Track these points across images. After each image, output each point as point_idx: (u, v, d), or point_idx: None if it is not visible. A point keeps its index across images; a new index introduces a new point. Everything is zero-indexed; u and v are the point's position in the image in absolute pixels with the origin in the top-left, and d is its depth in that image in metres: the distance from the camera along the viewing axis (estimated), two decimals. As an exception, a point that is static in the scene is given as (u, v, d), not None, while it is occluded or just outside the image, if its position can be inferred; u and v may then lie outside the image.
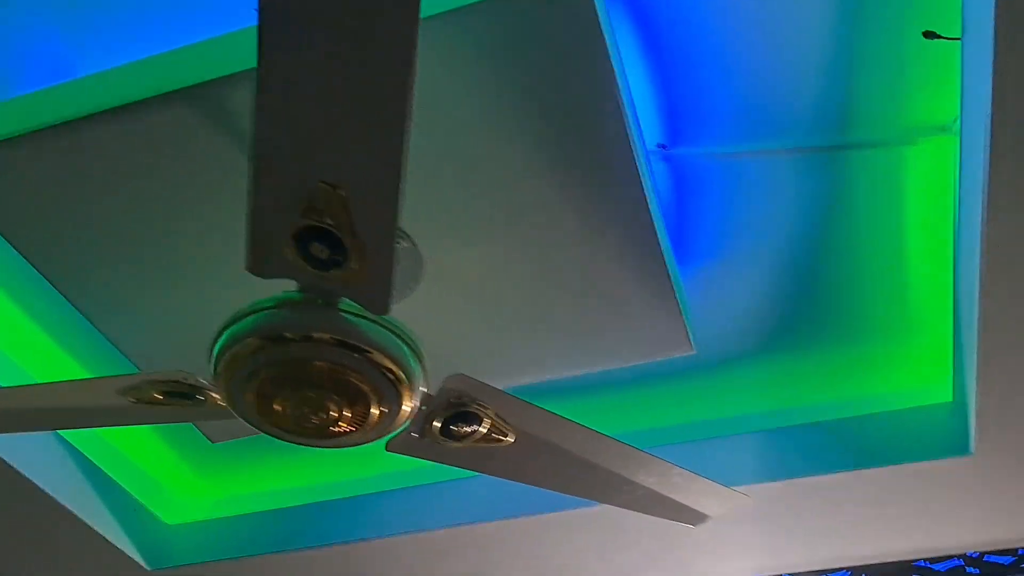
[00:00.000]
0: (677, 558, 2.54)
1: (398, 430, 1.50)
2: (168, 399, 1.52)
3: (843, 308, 2.13)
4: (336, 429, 1.44)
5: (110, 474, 2.67)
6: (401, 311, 1.41)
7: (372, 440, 1.50)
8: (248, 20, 1.59)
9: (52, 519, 2.54)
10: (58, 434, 2.51)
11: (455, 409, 1.55)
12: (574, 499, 2.35)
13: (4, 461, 2.33)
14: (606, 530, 2.44)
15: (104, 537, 2.61)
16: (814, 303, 2.13)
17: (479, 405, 1.56)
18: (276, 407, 1.41)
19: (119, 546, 2.66)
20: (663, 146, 1.84)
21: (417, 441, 1.59)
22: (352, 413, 1.42)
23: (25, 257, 1.83)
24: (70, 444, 2.55)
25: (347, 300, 1.35)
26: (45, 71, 1.75)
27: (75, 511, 2.53)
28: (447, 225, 1.77)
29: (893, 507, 2.22)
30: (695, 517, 1.99)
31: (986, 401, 1.95)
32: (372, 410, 1.42)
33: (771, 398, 2.28)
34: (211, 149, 1.63)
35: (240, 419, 1.48)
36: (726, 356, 2.22)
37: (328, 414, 1.41)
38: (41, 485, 2.44)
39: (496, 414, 1.59)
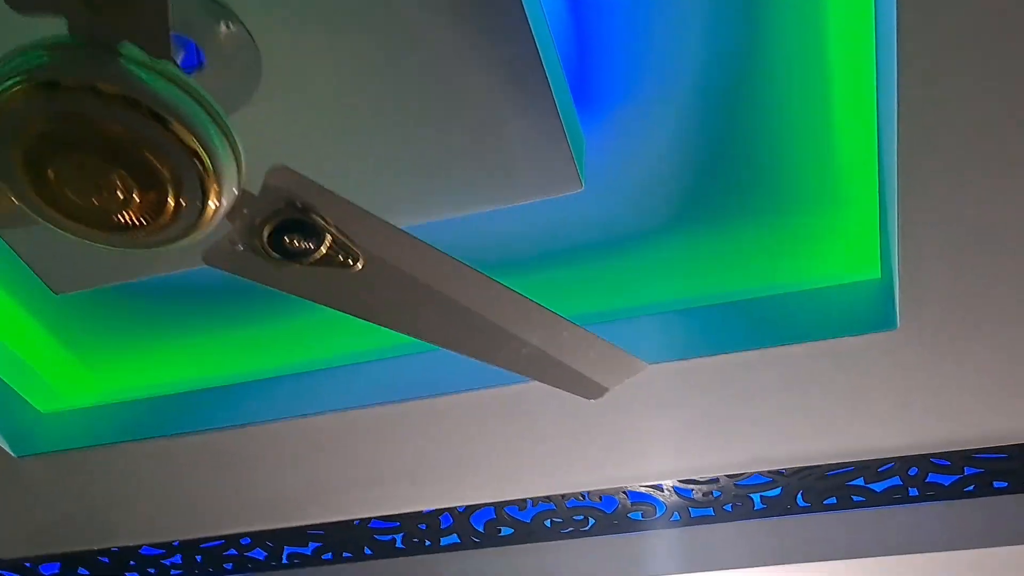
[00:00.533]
0: (581, 457, 2.33)
1: (205, 232, 1.24)
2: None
3: (763, 175, 1.92)
4: (125, 217, 1.18)
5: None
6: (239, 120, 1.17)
7: (176, 241, 1.25)
8: None
9: None
10: None
11: (285, 216, 1.31)
12: (468, 383, 2.14)
13: None
14: (502, 422, 2.23)
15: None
16: (730, 169, 1.91)
17: (317, 215, 1.32)
18: (50, 179, 1.15)
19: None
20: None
21: (242, 255, 1.34)
22: (143, 198, 1.17)
23: None
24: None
25: (129, 45, 1.10)
26: None
27: None
28: (290, 13, 1.50)
29: (816, 391, 2.01)
30: (591, 388, 1.77)
31: (909, 274, 1.75)
32: (170, 202, 1.17)
33: (683, 275, 2.05)
34: None
35: (20, 207, 1.22)
36: (633, 230, 2.00)
37: (117, 199, 1.16)
38: None
39: (338, 228, 1.34)
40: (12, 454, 2.43)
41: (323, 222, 1.32)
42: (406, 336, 2.30)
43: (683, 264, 2.01)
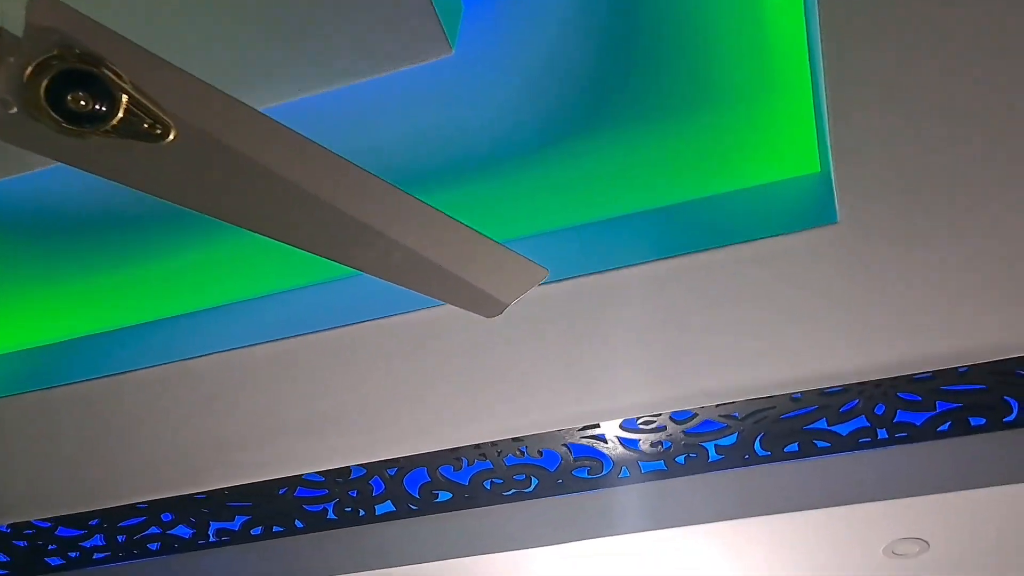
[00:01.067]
0: (502, 398, 2.10)
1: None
2: None
3: (684, 63, 1.68)
4: None
5: None
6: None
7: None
8: None
9: None
10: None
11: (63, 66, 1.07)
12: (360, 313, 1.91)
13: None
14: (405, 359, 2.00)
15: None
16: (648, 59, 1.68)
17: (106, 68, 1.09)
18: None
19: None
20: None
21: (17, 119, 1.10)
22: None
23: None
24: None
25: None
26: None
27: None
28: None
29: (758, 303, 1.78)
30: (486, 303, 1.54)
31: (845, 164, 1.53)
32: None
33: (598, 183, 1.82)
34: None
35: None
36: (537, 133, 1.76)
37: None
38: None
39: (135, 86, 1.11)
40: None
41: (116, 78, 1.09)
42: (286, 270, 2.07)
43: (600, 170, 1.77)
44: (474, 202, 1.87)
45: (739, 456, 2.57)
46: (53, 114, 1.10)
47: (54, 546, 3.12)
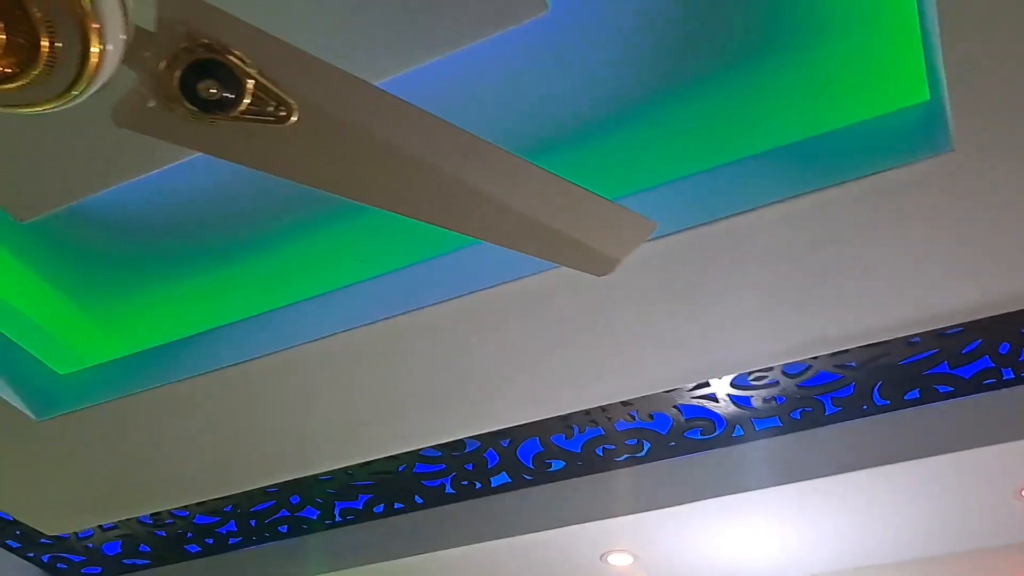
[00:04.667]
0: (613, 361, 2.11)
1: (98, 81, 1.08)
2: None
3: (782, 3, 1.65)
4: (-3, 64, 1.03)
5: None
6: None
7: (70, 92, 1.09)
8: None
9: None
10: None
11: (194, 57, 1.14)
12: (468, 284, 1.96)
13: None
14: (517, 325, 2.03)
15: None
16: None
17: (232, 56, 1.15)
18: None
19: (5, 398, 2.36)
20: None
21: (154, 111, 1.18)
22: (11, 39, 1.02)
23: None
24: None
25: None
26: None
27: None
28: None
29: (872, 242, 1.74)
30: (596, 260, 1.55)
31: (958, 91, 1.48)
32: (39, 36, 1.02)
33: (710, 130, 1.80)
34: None
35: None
36: (650, 86, 1.76)
37: (-25, 35, 1.01)
38: None
39: (261, 72, 1.17)
40: (34, 418, 2.37)
41: (240, 63, 1.15)
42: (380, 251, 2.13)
43: (701, 118, 1.76)
44: (580, 161, 1.87)
45: (857, 407, 2.52)
46: (186, 103, 1.17)
47: (191, 534, 3.31)
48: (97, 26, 1.02)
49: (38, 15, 1.00)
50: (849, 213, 1.67)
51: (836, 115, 1.71)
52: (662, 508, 2.74)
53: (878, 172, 1.58)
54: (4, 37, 1.01)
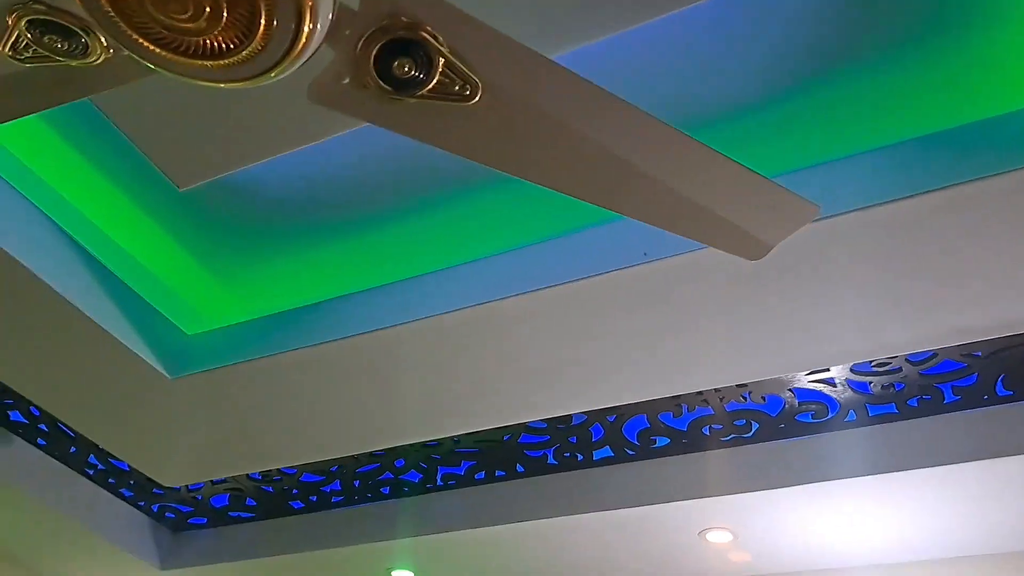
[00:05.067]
0: (735, 345, 2.11)
1: (303, 57, 1.12)
2: (44, 42, 1.20)
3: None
4: (216, 40, 1.08)
5: (130, 285, 2.49)
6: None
7: (271, 69, 1.13)
8: None
9: (75, 329, 2.36)
10: (74, 241, 2.31)
11: (392, 35, 1.16)
12: (595, 266, 1.97)
13: (29, 270, 2.16)
14: (642, 310, 2.04)
15: (127, 347, 2.44)
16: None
17: (428, 34, 1.17)
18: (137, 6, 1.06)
19: (142, 356, 2.48)
20: None
21: (348, 89, 1.21)
22: (231, 15, 1.06)
23: None
24: (86, 251, 2.36)
25: None
26: None
27: (99, 322, 2.36)
28: None
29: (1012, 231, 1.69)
30: (751, 245, 1.55)
31: None
32: (261, 21, 1.06)
33: (862, 112, 1.76)
34: None
35: (127, 56, 1.15)
36: (797, 65, 1.73)
37: (199, 10, 1.05)
38: (64, 294, 2.26)
39: (452, 49, 1.19)
40: (168, 376, 2.48)
41: (435, 42, 1.17)
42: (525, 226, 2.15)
43: (862, 99, 1.72)
44: (742, 136, 1.85)
45: (978, 397, 2.46)
46: (379, 81, 1.20)
47: (297, 491, 3.43)
48: (312, 4, 1.06)
49: (269, 7, 1.04)
50: (995, 204, 1.62)
51: (995, 103, 1.65)
52: (764, 490, 2.74)
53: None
54: (226, 15, 1.06)
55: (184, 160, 1.88)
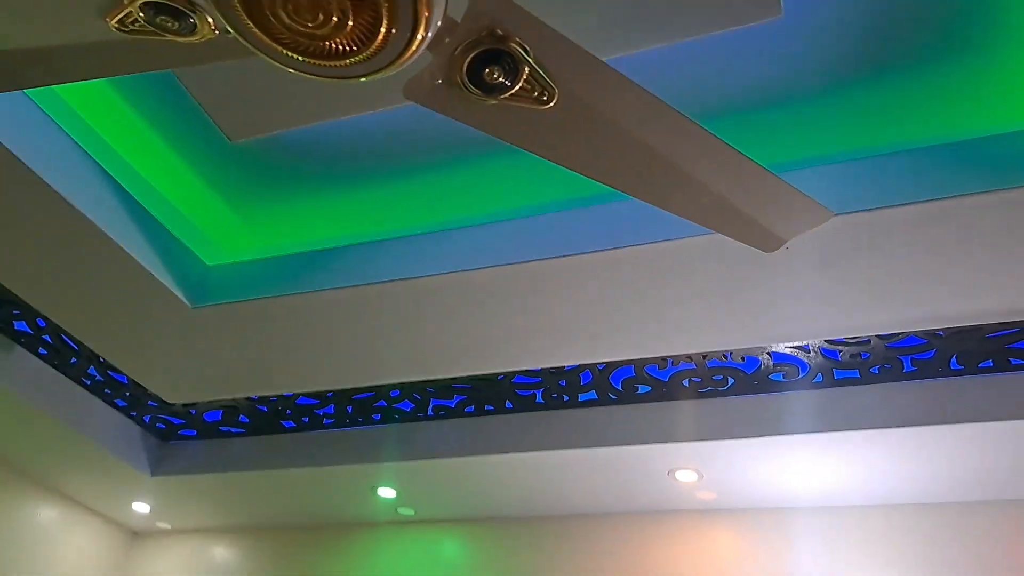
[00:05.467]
0: (729, 316, 2.32)
1: (410, 60, 1.24)
2: (155, 21, 1.29)
3: (963, 9, 1.75)
4: (339, 45, 1.19)
5: (157, 216, 2.57)
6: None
7: (380, 70, 1.24)
8: None
9: (103, 254, 2.44)
10: (103, 170, 2.37)
11: (486, 45, 1.28)
12: (599, 241, 2.14)
13: (59, 194, 2.22)
14: (650, 281, 2.23)
15: (152, 274, 2.53)
16: (933, 10, 1.75)
17: (516, 43, 1.29)
18: (268, 11, 1.16)
19: (165, 283, 2.57)
20: None
21: (440, 89, 1.34)
22: (356, 23, 1.16)
23: None
24: (114, 180, 2.42)
25: None
26: None
27: (128, 249, 2.43)
28: None
29: (992, 244, 1.91)
30: (768, 239, 1.73)
31: None
32: (382, 26, 1.17)
33: (876, 121, 1.93)
34: None
35: (235, 40, 1.24)
36: (832, 78, 1.88)
37: (330, 23, 1.16)
38: (91, 217, 2.33)
39: (537, 60, 1.31)
40: (188, 305, 2.60)
41: (522, 52, 1.30)
42: (559, 192, 2.30)
43: (870, 111, 1.89)
44: (783, 124, 2.00)
45: (933, 369, 2.73)
46: (469, 84, 1.33)
47: (290, 411, 3.60)
48: (428, 11, 1.17)
49: (386, 4, 1.15)
50: (978, 219, 1.82)
51: (1005, 120, 1.83)
52: (730, 439, 3.01)
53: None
54: (352, 22, 1.17)
55: (239, 116, 1.97)
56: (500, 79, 1.32)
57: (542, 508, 3.70)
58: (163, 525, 4.51)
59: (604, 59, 1.69)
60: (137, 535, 4.65)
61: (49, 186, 2.23)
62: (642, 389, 3.06)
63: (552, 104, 1.37)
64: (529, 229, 2.23)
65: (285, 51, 1.22)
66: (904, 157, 1.89)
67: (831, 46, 1.78)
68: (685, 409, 3.06)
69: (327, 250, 2.54)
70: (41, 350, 3.36)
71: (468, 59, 1.29)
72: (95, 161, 2.38)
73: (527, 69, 1.31)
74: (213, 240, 2.72)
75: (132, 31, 1.34)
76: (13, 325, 3.23)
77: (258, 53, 1.25)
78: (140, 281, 2.51)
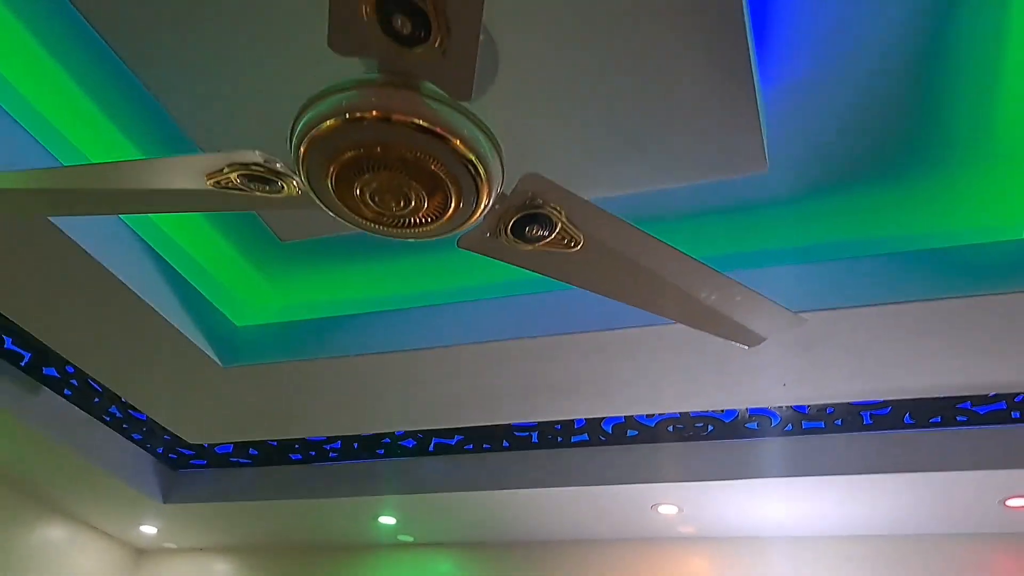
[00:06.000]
0: (712, 384, 2.63)
1: (471, 227, 1.52)
2: (247, 184, 1.54)
3: (929, 139, 2.06)
4: (415, 219, 1.46)
5: (188, 279, 2.79)
6: (476, 108, 1.39)
7: (446, 234, 1.52)
8: None
9: (137, 315, 2.65)
10: (138, 235, 2.59)
11: (528, 210, 1.56)
12: (621, 320, 2.43)
13: (100, 264, 2.43)
14: (647, 351, 2.53)
15: (188, 339, 2.75)
16: (899, 133, 2.06)
17: (552, 207, 1.57)
18: (356, 192, 1.42)
19: (200, 346, 2.80)
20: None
21: (489, 240, 1.61)
22: (431, 203, 1.43)
23: (95, 28, 1.81)
24: (148, 245, 2.64)
25: (428, 83, 1.33)
26: None
27: (159, 310, 2.64)
28: (536, 21, 1.71)
29: (958, 338, 2.23)
30: (751, 338, 2.02)
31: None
32: (451, 204, 1.44)
33: (847, 227, 2.25)
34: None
35: (318, 205, 1.50)
36: (804, 184, 2.19)
37: (408, 202, 1.42)
38: (128, 283, 2.54)
39: (567, 217, 1.59)
40: (220, 364, 2.84)
41: (556, 213, 1.58)
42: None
43: (844, 221, 2.21)
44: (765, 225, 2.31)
45: (888, 423, 3.07)
46: (513, 238, 1.61)
47: (299, 445, 3.85)
48: (488, 191, 1.45)
49: (454, 187, 1.42)
50: (949, 314, 2.14)
51: (950, 235, 2.15)
52: (709, 481, 3.33)
53: (975, 295, 2.05)
54: (427, 204, 1.44)
55: (292, 221, 2.22)
56: (538, 232, 1.60)
57: (534, 534, 4.00)
58: (169, 545, 4.74)
59: (612, 194, 2.01)
60: (143, 553, 4.87)
61: (99, 263, 2.45)
62: (631, 433, 3.36)
63: (579, 248, 1.65)
64: (539, 305, 2.52)
65: (365, 222, 1.49)
66: (868, 262, 2.20)
67: (811, 173, 2.10)
68: (669, 452, 3.37)
69: (344, 316, 2.81)
70: (66, 391, 3.57)
71: (513, 220, 1.57)
72: (139, 236, 2.61)
73: (559, 225, 1.60)
74: (241, 300, 2.96)
75: (224, 188, 1.60)
76: (42, 370, 3.44)
77: (337, 217, 1.52)
78: (179, 345, 2.75)
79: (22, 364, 3.37)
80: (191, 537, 4.55)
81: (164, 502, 4.14)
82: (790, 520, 3.54)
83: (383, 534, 4.19)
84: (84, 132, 2.29)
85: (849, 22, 1.87)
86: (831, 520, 3.50)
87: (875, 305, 2.15)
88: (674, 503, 3.51)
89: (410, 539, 4.23)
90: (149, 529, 4.50)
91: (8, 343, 3.26)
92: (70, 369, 3.42)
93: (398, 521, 4.02)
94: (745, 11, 1.65)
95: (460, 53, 1.26)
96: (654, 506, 3.55)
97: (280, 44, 1.81)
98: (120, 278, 2.51)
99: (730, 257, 2.37)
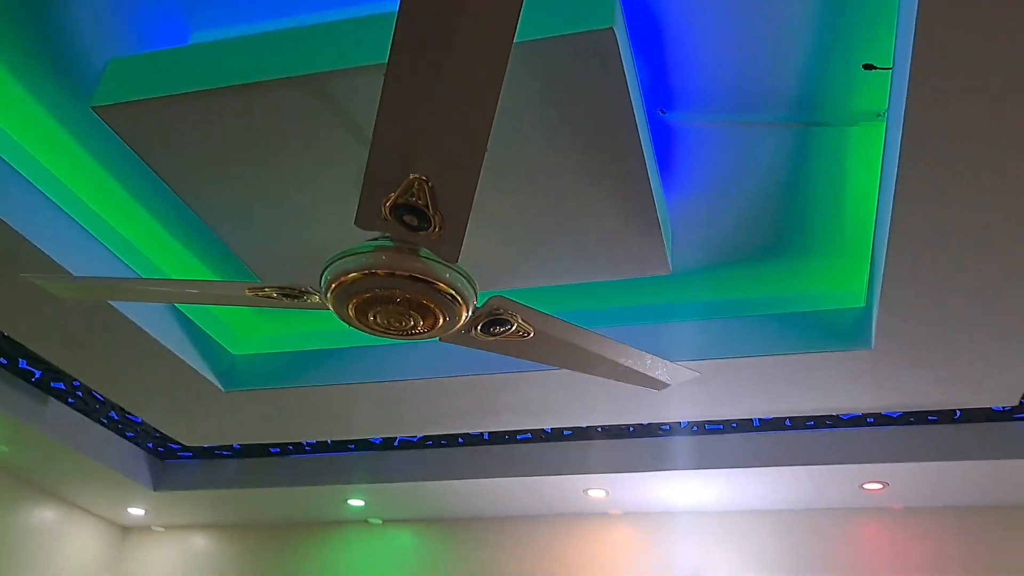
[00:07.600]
0: (637, 405, 3.29)
1: (452, 331, 2.09)
2: (282, 297, 2.09)
3: (794, 235, 2.70)
4: (413, 332, 2.03)
5: (191, 317, 3.28)
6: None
7: (436, 337, 2.10)
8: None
9: (143, 348, 3.14)
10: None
11: (493, 316, 2.14)
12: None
13: (119, 312, 2.91)
14: (581, 383, 3.17)
15: (194, 368, 3.25)
16: (774, 230, 2.70)
17: (511, 314, 2.16)
18: (371, 317, 1.98)
19: (203, 374, 3.31)
20: (663, 111, 2.32)
21: (464, 336, 2.19)
22: (425, 323, 2.01)
23: (177, 192, 2.39)
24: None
25: (426, 250, 1.89)
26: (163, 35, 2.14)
27: (167, 345, 3.13)
28: (486, 177, 2.27)
29: (803, 384, 2.93)
30: (658, 385, 2.66)
31: (887, 307, 2.57)
32: (439, 321, 2.01)
33: (723, 296, 2.91)
34: (324, 126, 2.11)
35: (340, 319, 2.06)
36: (692, 267, 2.83)
37: (409, 323, 1.99)
38: (144, 327, 3.02)
39: (522, 319, 2.18)
40: (222, 389, 3.36)
41: (514, 317, 2.17)
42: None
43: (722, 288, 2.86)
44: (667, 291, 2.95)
45: (773, 426, 3.79)
46: (481, 332, 2.19)
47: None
48: (465, 313, 2.02)
49: (442, 314, 1.99)
50: (792, 366, 2.83)
51: (797, 303, 2.83)
52: (631, 472, 4.02)
53: (815, 352, 2.73)
54: (423, 322, 2.00)
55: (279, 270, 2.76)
56: (500, 329, 2.19)
57: (485, 513, 4.66)
58: (158, 528, 5.27)
59: (534, 285, 2.58)
60: (129, 530, 5.38)
61: (116, 309, 2.93)
62: (566, 432, 4.01)
63: (530, 338, 2.25)
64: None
65: (376, 332, 2.05)
66: (751, 321, 2.86)
67: (709, 257, 2.75)
68: (598, 447, 4.04)
69: (329, 350, 3.35)
70: (70, 399, 4.03)
71: (482, 323, 2.16)
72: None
73: (516, 324, 2.19)
74: (238, 334, 3.47)
75: (260, 296, 2.13)
76: (51, 384, 3.89)
77: (350, 325, 2.08)
78: (185, 373, 3.26)
79: (33, 380, 3.82)
80: (177, 518, 5.08)
81: (154, 489, 4.65)
82: (695, 500, 4.28)
83: (352, 514, 4.79)
84: (152, 244, 2.89)
85: (736, 153, 2.48)
86: (728, 500, 4.25)
87: (753, 357, 2.83)
88: (602, 488, 4.20)
89: (378, 521, 4.86)
90: (137, 511, 5.00)
91: (23, 364, 3.70)
92: (76, 383, 3.88)
93: (366, 504, 4.63)
94: (648, 159, 2.23)
95: (451, 238, 1.82)
96: (586, 490, 4.23)
97: (311, 183, 2.34)
98: (137, 323, 3.00)
99: (642, 309, 3.01)
